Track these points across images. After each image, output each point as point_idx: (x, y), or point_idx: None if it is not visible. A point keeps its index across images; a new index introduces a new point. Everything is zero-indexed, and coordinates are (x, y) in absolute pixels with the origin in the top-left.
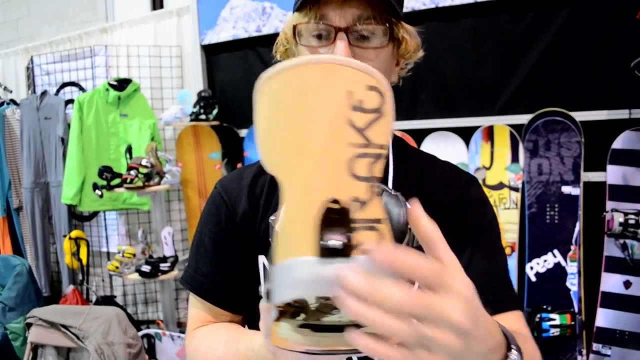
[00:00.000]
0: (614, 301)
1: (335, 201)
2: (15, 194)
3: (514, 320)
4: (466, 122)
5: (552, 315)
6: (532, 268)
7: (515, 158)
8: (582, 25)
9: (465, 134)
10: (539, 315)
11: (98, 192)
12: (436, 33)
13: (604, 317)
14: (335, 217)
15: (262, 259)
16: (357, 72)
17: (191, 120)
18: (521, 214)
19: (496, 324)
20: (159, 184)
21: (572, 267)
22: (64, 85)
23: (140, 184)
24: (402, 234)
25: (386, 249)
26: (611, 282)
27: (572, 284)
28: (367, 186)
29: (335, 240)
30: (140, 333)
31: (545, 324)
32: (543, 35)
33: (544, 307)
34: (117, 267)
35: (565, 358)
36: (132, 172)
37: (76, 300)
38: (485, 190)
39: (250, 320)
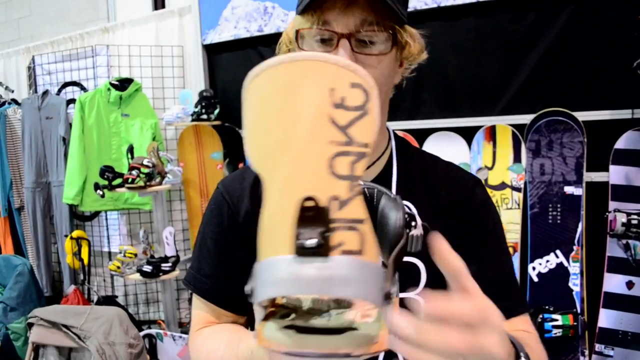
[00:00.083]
0: (616, 302)
1: (314, 199)
2: (16, 194)
3: (521, 323)
4: (468, 122)
5: (554, 316)
6: (534, 268)
7: (517, 158)
8: (584, 25)
9: (468, 133)
10: (541, 316)
11: (99, 192)
12: (438, 33)
13: (607, 318)
14: (314, 216)
15: None
16: (340, 69)
17: (193, 120)
18: (523, 214)
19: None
20: (160, 183)
21: (574, 268)
22: (66, 85)
23: (141, 183)
24: (398, 238)
25: (434, 302)
26: (614, 283)
27: (575, 284)
28: (348, 185)
29: (311, 239)
30: (142, 333)
31: (548, 325)
32: (545, 35)
33: (546, 307)
34: (118, 267)
35: (567, 359)
36: (134, 172)
37: (77, 300)
38: (488, 190)
39: (253, 321)
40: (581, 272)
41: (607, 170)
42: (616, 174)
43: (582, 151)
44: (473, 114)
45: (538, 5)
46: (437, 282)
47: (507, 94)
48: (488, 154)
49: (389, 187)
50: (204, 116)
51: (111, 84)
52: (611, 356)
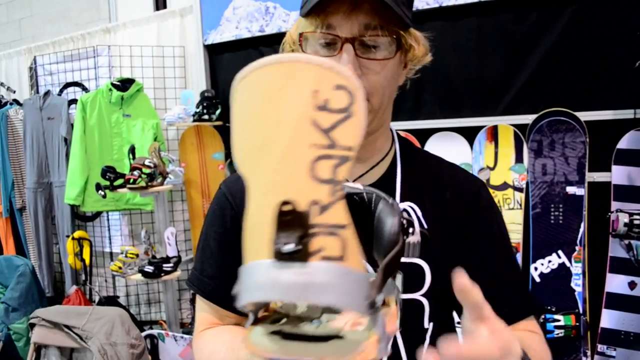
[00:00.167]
0: (618, 302)
1: (292, 203)
2: (18, 194)
3: (528, 324)
4: (470, 122)
5: (556, 316)
6: (536, 269)
7: (519, 158)
8: (586, 25)
9: (469, 134)
10: (543, 316)
11: (101, 192)
12: (440, 33)
13: (609, 318)
14: (292, 220)
15: None
16: (324, 70)
17: (194, 121)
18: (525, 215)
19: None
20: (162, 184)
21: (576, 268)
22: (67, 85)
23: (143, 184)
24: (392, 245)
25: (455, 347)
26: (616, 283)
27: (577, 284)
28: (330, 189)
29: (288, 244)
30: (143, 334)
31: (550, 325)
32: (547, 35)
33: (549, 308)
34: (120, 268)
35: (569, 359)
36: (135, 173)
37: (79, 301)
38: (489, 190)
39: None
40: (583, 273)
41: (609, 170)
42: (618, 174)
43: (584, 151)
44: (475, 114)
45: (540, 5)
46: (442, 283)
47: (509, 94)
48: (490, 154)
49: (393, 188)
50: (206, 116)
51: (113, 85)
52: (613, 357)
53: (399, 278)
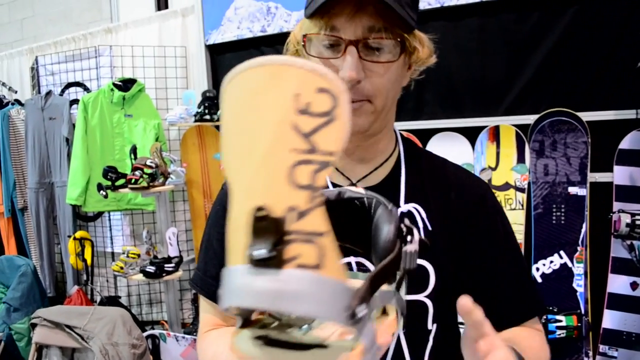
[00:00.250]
0: (620, 302)
1: (266, 209)
2: (20, 195)
3: (532, 322)
4: (472, 122)
5: (558, 317)
6: (538, 269)
7: (521, 158)
8: (588, 25)
9: (471, 134)
10: (545, 317)
11: (103, 192)
12: (442, 33)
13: (611, 319)
14: (266, 226)
15: None
16: (307, 73)
17: (196, 121)
18: (527, 215)
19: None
20: (163, 184)
21: (578, 268)
22: (69, 85)
23: (144, 184)
24: (386, 253)
25: None
26: (618, 284)
27: (579, 285)
28: (308, 195)
29: (260, 250)
30: (145, 334)
31: (552, 326)
32: (549, 35)
33: (550, 308)
34: (121, 268)
35: None
36: (137, 173)
37: (81, 301)
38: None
39: None
40: (585, 273)
41: (611, 170)
42: (620, 175)
43: (586, 151)
44: (476, 114)
45: (542, 5)
46: (446, 284)
47: (510, 94)
48: (492, 155)
49: (398, 190)
50: (207, 117)
51: (114, 85)
52: (615, 357)
53: (404, 284)
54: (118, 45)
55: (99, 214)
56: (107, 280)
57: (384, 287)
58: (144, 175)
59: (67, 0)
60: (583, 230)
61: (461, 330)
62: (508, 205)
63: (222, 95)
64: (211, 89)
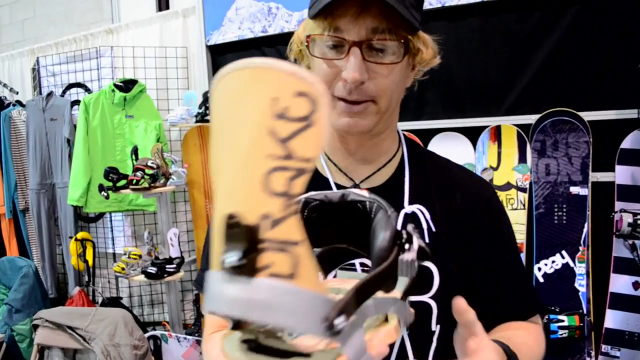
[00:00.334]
0: (622, 302)
1: (237, 216)
2: (21, 196)
3: (533, 319)
4: (473, 122)
5: (560, 317)
6: (540, 269)
7: (522, 158)
8: (590, 25)
9: (472, 134)
10: (547, 317)
11: (104, 193)
12: (443, 33)
13: (613, 319)
14: (238, 234)
15: None
16: (286, 76)
17: (197, 121)
18: (529, 215)
19: (501, 352)
20: (164, 185)
21: (580, 268)
22: (70, 86)
23: (146, 185)
24: (379, 261)
25: None
26: (620, 283)
27: (581, 285)
28: (283, 203)
29: (232, 258)
30: (146, 335)
31: (554, 326)
32: (550, 35)
33: (552, 308)
34: (123, 269)
35: None
36: (138, 174)
37: (82, 302)
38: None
39: None
40: (587, 273)
41: (613, 170)
42: (622, 174)
43: (588, 151)
44: (478, 114)
45: (543, 5)
46: (450, 285)
47: (512, 94)
48: (493, 155)
49: (402, 191)
50: (208, 117)
51: (115, 86)
52: (617, 357)
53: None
54: (119, 46)
55: (101, 215)
56: (109, 281)
57: (380, 295)
58: (145, 176)
59: (68, 1)
60: (585, 230)
61: None
62: (510, 205)
63: (210, 98)
64: None
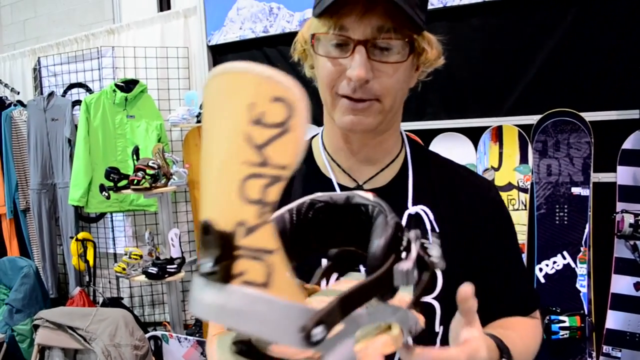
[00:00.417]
0: (624, 303)
1: (210, 223)
2: (22, 196)
3: (533, 314)
4: (474, 123)
5: (561, 318)
6: (541, 270)
7: (524, 159)
8: (591, 25)
9: (474, 134)
10: (548, 317)
11: (105, 193)
12: (444, 33)
13: (614, 319)
14: (212, 240)
15: None
16: (262, 80)
17: (198, 122)
18: (530, 215)
19: (492, 345)
20: (166, 185)
21: (581, 269)
22: (71, 86)
23: (147, 185)
24: (371, 269)
25: (429, 353)
26: (621, 284)
27: (582, 285)
28: (257, 210)
29: (207, 264)
30: (147, 335)
31: (555, 326)
32: (552, 35)
33: (553, 309)
34: (123, 269)
35: None
36: (139, 174)
37: (83, 302)
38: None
39: None
40: (588, 274)
41: (614, 170)
42: (624, 175)
43: (589, 152)
44: (479, 114)
45: (544, 6)
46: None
47: (513, 94)
48: (494, 155)
49: (406, 191)
50: None
51: (116, 86)
52: (619, 358)
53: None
54: (120, 46)
55: (101, 215)
56: (110, 282)
57: (376, 303)
58: (147, 176)
59: (69, 2)
60: (586, 230)
61: None
62: (511, 205)
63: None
64: None
